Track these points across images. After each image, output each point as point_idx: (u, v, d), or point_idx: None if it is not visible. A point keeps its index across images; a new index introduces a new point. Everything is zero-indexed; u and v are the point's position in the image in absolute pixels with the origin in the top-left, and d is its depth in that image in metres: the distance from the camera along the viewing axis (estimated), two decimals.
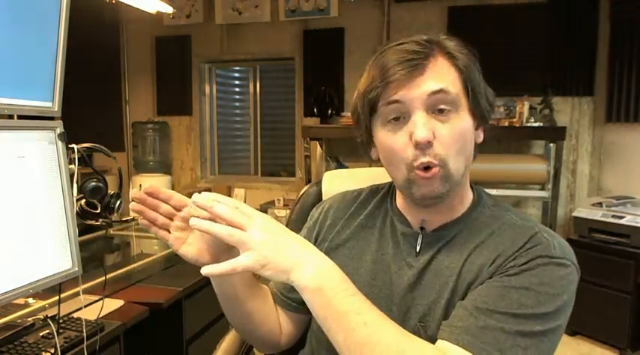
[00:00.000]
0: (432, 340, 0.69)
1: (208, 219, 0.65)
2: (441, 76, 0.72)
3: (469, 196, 0.82)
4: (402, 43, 0.74)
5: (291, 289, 0.88)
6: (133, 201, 0.74)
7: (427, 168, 0.71)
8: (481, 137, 0.79)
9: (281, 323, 0.90)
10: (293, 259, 0.65)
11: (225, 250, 0.75)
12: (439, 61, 0.73)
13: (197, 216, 0.66)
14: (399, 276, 0.79)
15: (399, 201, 0.85)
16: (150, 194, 0.73)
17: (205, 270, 0.65)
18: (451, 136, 0.71)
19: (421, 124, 0.70)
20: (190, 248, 0.75)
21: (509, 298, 0.66)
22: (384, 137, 0.75)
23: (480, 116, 0.76)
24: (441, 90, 0.71)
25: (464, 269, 0.74)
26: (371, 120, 0.77)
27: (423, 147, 0.70)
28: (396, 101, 0.72)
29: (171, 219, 0.75)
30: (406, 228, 0.82)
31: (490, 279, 0.70)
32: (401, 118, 0.73)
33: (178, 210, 0.75)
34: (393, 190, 0.89)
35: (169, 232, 0.75)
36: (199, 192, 0.66)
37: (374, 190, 0.93)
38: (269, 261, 0.64)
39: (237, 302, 0.82)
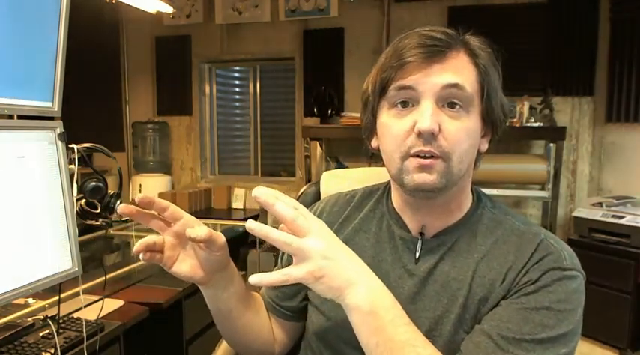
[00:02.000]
0: None
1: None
2: (459, 70, 0.69)
3: (469, 199, 0.79)
4: (428, 30, 0.71)
5: (285, 297, 0.86)
6: (121, 213, 0.68)
7: (427, 156, 0.68)
8: (485, 146, 0.76)
9: (274, 332, 0.87)
10: (348, 275, 0.61)
11: (219, 266, 0.73)
12: (461, 55, 0.70)
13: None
14: (399, 285, 0.74)
15: (396, 201, 0.81)
16: (146, 203, 0.68)
17: (254, 279, 0.59)
18: (458, 133, 0.68)
19: (427, 114, 0.66)
20: (183, 265, 0.71)
21: (532, 321, 0.64)
22: (387, 121, 0.72)
23: (490, 123, 0.73)
24: (456, 85, 0.67)
25: (474, 283, 0.70)
26: (379, 102, 0.73)
27: (426, 138, 0.67)
28: (408, 87, 0.68)
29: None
30: (405, 233, 0.78)
31: (507, 300, 0.68)
32: (409, 104, 0.69)
33: (168, 224, 0.70)
34: (388, 191, 0.84)
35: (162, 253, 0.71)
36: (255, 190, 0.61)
37: (368, 192, 0.88)
38: (324, 274, 0.60)
39: (231, 317, 0.80)
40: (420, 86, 0.68)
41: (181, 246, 0.71)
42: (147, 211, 0.69)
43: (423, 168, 0.68)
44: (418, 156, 0.68)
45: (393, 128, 0.70)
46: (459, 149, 0.68)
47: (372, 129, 0.76)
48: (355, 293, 0.61)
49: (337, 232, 0.83)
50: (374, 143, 0.78)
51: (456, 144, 0.68)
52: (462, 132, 0.68)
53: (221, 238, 0.70)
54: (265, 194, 0.60)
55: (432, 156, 0.68)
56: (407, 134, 0.69)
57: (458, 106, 0.68)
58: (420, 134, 0.67)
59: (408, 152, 0.69)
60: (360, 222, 0.83)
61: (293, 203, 0.62)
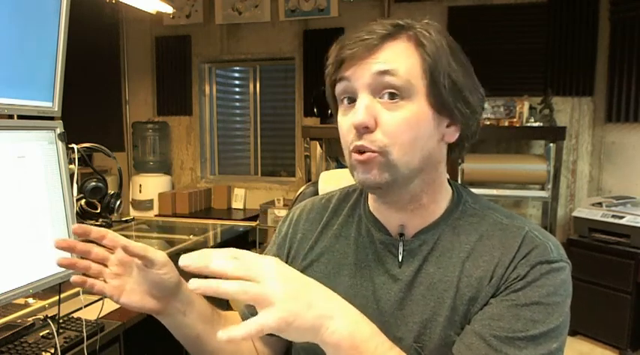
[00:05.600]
0: None
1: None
2: (394, 57, 0.66)
3: (446, 195, 0.75)
4: (372, 23, 0.69)
5: None
6: (58, 247, 0.66)
7: (363, 151, 0.66)
8: (453, 137, 0.71)
9: (257, 348, 0.82)
10: (319, 312, 0.55)
11: (171, 289, 0.70)
12: (400, 43, 0.67)
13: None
14: (385, 291, 0.72)
15: (372, 203, 0.78)
16: (81, 233, 0.65)
17: (222, 335, 0.50)
18: (397, 125, 0.65)
19: (361, 107, 0.65)
20: (133, 295, 0.68)
21: (523, 317, 0.64)
22: (338, 119, 0.71)
23: (447, 112, 0.68)
24: (387, 72, 0.65)
25: (461, 283, 0.68)
26: (334, 101, 0.73)
27: (361, 132, 0.66)
28: (344, 78, 0.68)
29: (105, 264, 0.68)
30: (384, 236, 0.75)
31: (496, 298, 0.66)
32: (352, 101, 0.69)
33: (111, 251, 0.68)
34: (365, 193, 0.81)
35: (105, 282, 0.68)
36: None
37: (344, 194, 0.85)
38: (296, 317, 0.53)
39: (200, 343, 0.76)
40: (354, 77, 0.67)
41: (127, 273, 0.69)
42: (86, 243, 0.67)
43: (361, 165, 0.67)
44: (358, 151, 0.67)
45: (341, 125, 0.71)
46: (398, 141, 0.66)
47: None
48: (333, 330, 0.55)
49: (317, 240, 0.81)
50: None
51: (395, 136, 0.65)
52: (402, 123, 0.65)
53: (162, 255, 0.68)
54: (194, 261, 0.52)
55: (368, 151, 0.67)
56: (349, 130, 0.68)
57: (397, 97, 0.66)
58: (355, 128, 0.66)
59: (349, 148, 0.68)
60: (339, 228, 0.80)
61: (230, 253, 0.54)
